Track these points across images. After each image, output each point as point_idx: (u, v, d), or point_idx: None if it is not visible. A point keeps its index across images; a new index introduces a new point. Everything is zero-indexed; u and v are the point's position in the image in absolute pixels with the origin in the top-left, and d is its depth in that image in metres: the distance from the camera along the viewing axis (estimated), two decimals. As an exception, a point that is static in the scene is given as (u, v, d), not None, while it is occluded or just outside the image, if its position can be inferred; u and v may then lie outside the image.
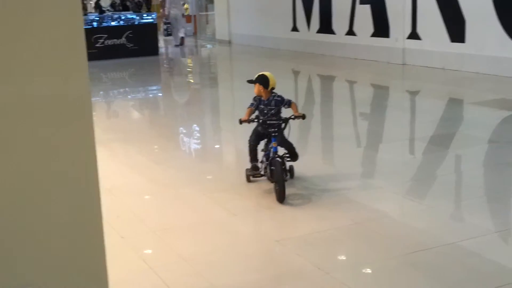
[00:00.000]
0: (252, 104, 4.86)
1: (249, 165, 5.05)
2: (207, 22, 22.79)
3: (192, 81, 13.26)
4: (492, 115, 7.68)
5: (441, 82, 10.26)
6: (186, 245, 3.95)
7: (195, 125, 8.05)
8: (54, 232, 2.07)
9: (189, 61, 17.06)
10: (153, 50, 16.40)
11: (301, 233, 4.04)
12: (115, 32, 15.79)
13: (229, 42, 19.35)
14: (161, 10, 20.44)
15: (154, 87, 12.49)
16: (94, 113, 2.71)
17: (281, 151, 4.81)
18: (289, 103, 4.85)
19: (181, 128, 8.09)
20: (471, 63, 10.51)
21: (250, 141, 5.02)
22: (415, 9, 11.67)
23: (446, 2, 10.93)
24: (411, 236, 3.96)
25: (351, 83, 11.41)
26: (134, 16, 16.31)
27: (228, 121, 8.44)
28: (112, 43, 15.76)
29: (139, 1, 16.81)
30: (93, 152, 2.09)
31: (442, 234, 3.96)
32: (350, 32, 13.56)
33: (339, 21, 13.87)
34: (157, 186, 5.27)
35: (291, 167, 4.98)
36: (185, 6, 23.52)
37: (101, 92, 10.95)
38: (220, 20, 20.03)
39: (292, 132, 4.97)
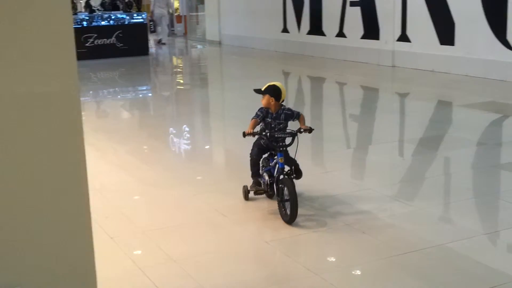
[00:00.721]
0: (257, 116, 4.46)
1: (245, 182, 4.70)
2: (197, 23, 22.76)
3: (182, 81, 13.24)
4: (480, 117, 7.73)
5: (430, 84, 10.31)
6: (175, 245, 3.94)
7: (185, 125, 8.04)
8: (43, 232, 2.06)
9: (179, 62, 17.04)
10: (143, 50, 16.38)
11: (291, 234, 4.04)
12: (105, 31, 15.74)
13: (219, 43, 19.34)
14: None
15: (144, 87, 12.46)
16: (83, 113, 2.70)
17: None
18: (298, 116, 4.51)
19: (170, 128, 8.08)
20: (460, 65, 10.57)
21: (251, 154, 4.64)
22: (405, 11, 11.72)
23: (436, 5, 10.99)
24: (400, 237, 3.97)
25: (341, 84, 11.44)
26: (124, 16, 16.26)
27: (218, 121, 8.43)
28: (102, 43, 15.71)
29: (129, 1, 16.74)
30: (82, 152, 2.08)
31: (430, 236, 3.98)
32: (340, 34, 13.61)
33: (329, 23, 13.91)
34: (147, 187, 5.26)
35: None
36: (175, 5, 23.48)
37: (91, 92, 10.91)
38: (211, 20, 20.02)
39: None
